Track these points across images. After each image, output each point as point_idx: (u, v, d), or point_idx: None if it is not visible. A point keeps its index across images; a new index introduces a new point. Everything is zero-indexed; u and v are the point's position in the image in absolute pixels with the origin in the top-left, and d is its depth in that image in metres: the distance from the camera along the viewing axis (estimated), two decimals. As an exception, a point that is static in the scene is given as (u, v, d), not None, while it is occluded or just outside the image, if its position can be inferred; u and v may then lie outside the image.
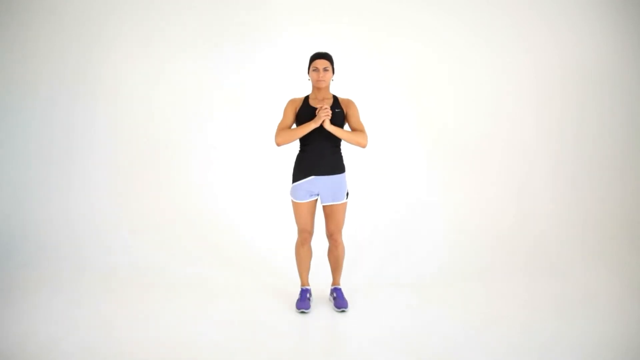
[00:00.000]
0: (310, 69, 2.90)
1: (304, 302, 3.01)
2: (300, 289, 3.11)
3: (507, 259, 3.84)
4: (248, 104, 4.38)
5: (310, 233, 3.02)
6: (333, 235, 3.03)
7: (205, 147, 4.37)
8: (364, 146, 2.89)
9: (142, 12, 4.32)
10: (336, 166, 2.95)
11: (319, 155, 2.90)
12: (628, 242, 3.95)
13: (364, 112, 4.42)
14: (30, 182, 4.25)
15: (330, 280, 3.18)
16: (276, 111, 4.39)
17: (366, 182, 4.37)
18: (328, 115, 2.76)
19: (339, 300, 3.03)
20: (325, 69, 2.86)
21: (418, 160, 4.39)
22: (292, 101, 2.97)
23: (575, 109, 4.31)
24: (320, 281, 3.29)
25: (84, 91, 4.33)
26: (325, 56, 2.90)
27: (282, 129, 2.87)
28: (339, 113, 2.90)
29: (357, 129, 2.91)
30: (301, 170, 2.94)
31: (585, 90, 4.29)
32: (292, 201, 2.99)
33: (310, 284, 3.13)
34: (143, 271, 3.58)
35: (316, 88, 2.92)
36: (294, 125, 2.94)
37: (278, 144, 2.86)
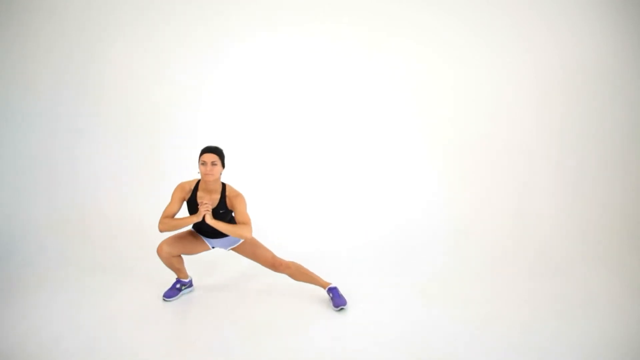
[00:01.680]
0: (200, 162, 2.95)
1: (171, 290, 3.17)
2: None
3: (507, 259, 3.84)
4: (249, 104, 4.38)
5: (165, 253, 3.01)
6: (275, 265, 3.13)
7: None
8: (247, 238, 2.96)
9: (143, 11, 4.32)
10: (224, 234, 3.05)
11: (207, 228, 3.01)
12: (628, 242, 3.95)
13: (365, 113, 4.44)
14: (31, 182, 4.25)
15: (330, 280, 3.19)
16: (277, 111, 4.42)
17: (367, 182, 4.38)
18: (208, 210, 2.87)
19: (336, 299, 3.04)
20: (213, 163, 2.93)
21: (418, 160, 4.39)
22: (181, 187, 3.03)
23: (576, 109, 4.31)
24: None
25: (85, 91, 4.33)
26: (215, 150, 2.97)
27: (167, 216, 2.95)
28: (223, 214, 2.98)
29: (241, 222, 2.95)
30: (195, 228, 3.11)
31: (585, 91, 4.29)
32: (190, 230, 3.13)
33: (190, 278, 3.26)
34: (143, 271, 3.57)
35: (204, 180, 2.97)
36: (181, 212, 3.03)
37: (160, 231, 2.94)
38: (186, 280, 3.23)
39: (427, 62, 4.37)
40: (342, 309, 3.01)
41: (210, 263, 3.75)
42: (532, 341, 2.65)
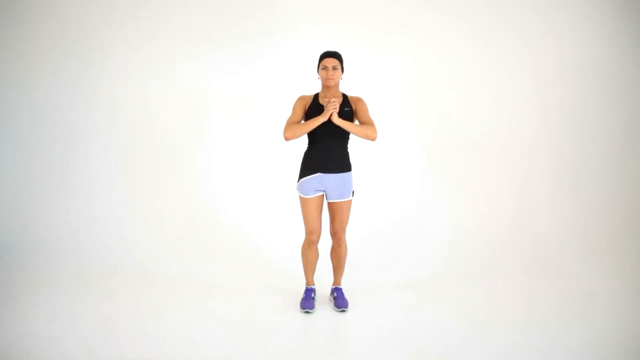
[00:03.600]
0: (320, 67, 2.92)
1: (308, 301, 3.02)
2: (305, 288, 3.11)
3: (507, 259, 3.84)
4: (250, 104, 4.38)
5: (318, 235, 3.02)
6: (337, 234, 3.05)
7: (207, 147, 4.37)
8: (373, 139, 2.90)
9: (142, 11, 4.32)
10: (343, 164, 2.96)
11: (326, 153, 2.92)
12: (628, 242, 3.96)
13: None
14: (31, 182, 4.25)
15: (331, 280, 3.19)
16: (278, 111, 4.41)
17: (366, 182, 4.37)
18: (336, 108, 2.78)
19: (339, 300, 3.03)
20: (334, 68, 2.89)
21: (418, 160, 4.39)
22: (301, 98, 2.99)
23: (575, 109, 4.31)
24: (320, 281, 3.29)
25: (84, 91, 4.33)
26: (335, 55, 2.92)
27: (291, 123, 2.89)
28: (348, 112, 2.93)
29: (366, 123, 2.92)
30: (308, 167, 2.95)
31: (585, 90, 4.29)
32: (300, 197, 2.99)
33: (315, 284, 3.14)
34: (143, 271, 3.58)
35: (325, 86, 2.95)
36: (303, 121, 2.95)
37: (287, 138, 2.86)
38: (314, 287, 3.12)
39: (427, 62, 4.37)
40: (343, 310, 3.01)
41: (211, 262, 3.75)
42: (531, 341, 2.64)
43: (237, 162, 4.35)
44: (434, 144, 4.38)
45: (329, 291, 3.19)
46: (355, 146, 4.38)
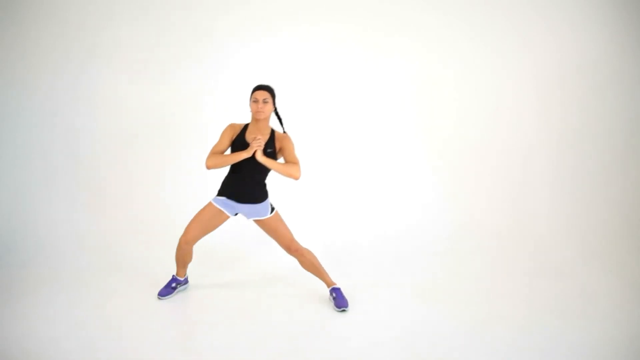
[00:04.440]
0: (251, 99, 2.93)
1: (166, 288, 3.16)
2: (172, 276, 3.22)
3: (507, 259, 3.84)
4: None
5: (190, 243, 3.03)
6: (291, 248, 3.08)
7: (208, 147, 4.36)
8: (296, 178, 2.90)
9: (143, 11, 4.32)
10: (257, 196, 3.00)
11: (243, 184, 2.96)
12: (628, 242, 3.96)
13: (364, 114, 4.44)
14: (31, 182, 4.25)
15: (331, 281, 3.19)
16: (279, 112, 4.40)
17: (367, 182, 4.38)
18: (260, 146, 2.81)
19: (338, 300, 3.03)
20: (264, 101, 2.90)
21: (418, 160, 4.39)
22: (231, 126, 3.00)
23: (576, 109, 4.31)
24: (320, 281, 3.28)
25: (85, 91, 4.33)
26: (266, 88, 2.94)
27: (215, 153, 2.91)
28: (270, 153, 2.94)
29: (291, 162, 2.93)
30: (224, 192, 3.02)
31: (585, 90, 4.29)
32: (209, 202, 3.03)
33: (186, 276, 3.25)
34: (143, 271, 3.57)
35: (255, 119, 2.95)
36: (228, 151, 2.99)
37: (208, 167, 2.90)
38: (181, 279, 3.23)
39: (426, 63, 4.37)
40: (343, 310, 3.01)
41: (209, 263, 3.75)
42: (531, 341, 2.65)
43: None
44: (434, 144, 4.38)
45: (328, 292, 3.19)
46: (356, 148, 4.42)
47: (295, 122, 4.39)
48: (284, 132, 3.04)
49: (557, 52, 4.29)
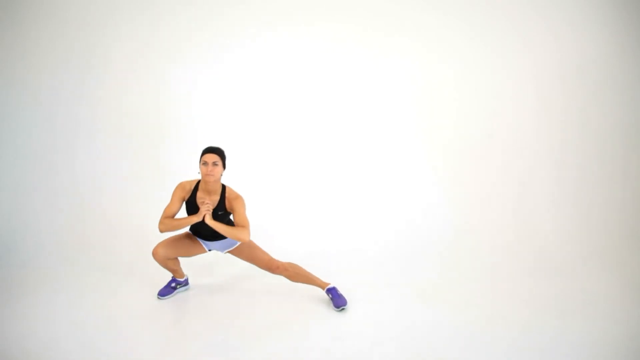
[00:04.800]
0: (201, 162, 2.96)
1: (165, 288, 3.19)
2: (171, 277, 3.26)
3: (507, 260, 3.84)
4: (250, 105, 4.38)
5: (160, 257, 3.01)
6: (272, 267, 3.11)
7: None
8: (244, 241, 2.95)
9: (143, 11, 4.32)
10: (222, 236, 3.05)
11: (205, 230, 3.02)
12: (628, 242, 3.95)
13: (365, 115, 4.44)
14: (31, 182, 4.25)
15: (329, 280, 3.19)
16: (277, 113, 4.41)
17: (367, 183, 4.38)
18: (209, 210, 2.88)
19: (336, 299, 3.04)
20: (214, 164, 2.93)
21: (419, 161, 4.39)
22: (181, 187, 3.02)
23: (576, 109, 4.31)
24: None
25: (86, 92, 4.33)
26: (216, 151, 2.97)
27: (167, 217, 2.94)
28: (221, 215, 2.97)
29: (239, 225, 2.95)
30: (193, 231, 3.12)
31: (585, 90, 4.29)
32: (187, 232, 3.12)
33: (186, 276, 3.28)
34: (144, 270, 3.57)
35: (204, 181, 2.97)
36: (182, 211, 3.06)
37: (161, 232, 2.93)
38: (181, 280, 3.24)
39: (426, 63, 4.37)
40: (342, 309, 3.01)
41: (209, 263, 3.75)
42: (532, 341, 2.65)
43: (238, 163, 4.34)
44: (434, 144, 4.38)
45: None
46: (357, 148, 4.42)
47: (296, 122, 4.41)
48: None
49: (557, 52, 4.28)
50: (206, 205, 2.88)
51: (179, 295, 3.22)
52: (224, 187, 3.02)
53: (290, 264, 3.15)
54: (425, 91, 4.38)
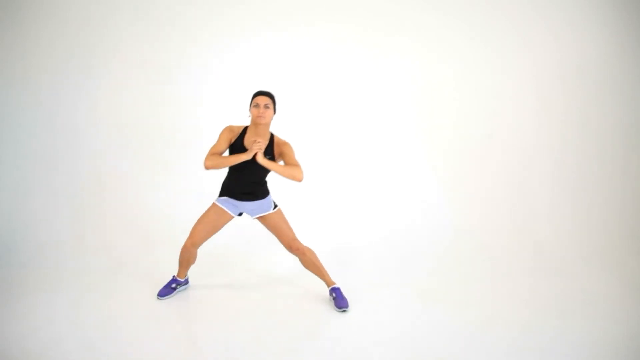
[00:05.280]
0: (252, 104, 2.94)
1: (166, 288, 3.15)
2: (171, 277, 3.21)
3: (507, 259, 3.84)
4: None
5: (196, 246, 3.05)
6: (292, 247, 3.08)
7: (207, 147, 4.36)
8: (299, 180, 2.89)
9: (143, 12, 4.32)
10: (259, 194, 3.02)
11: (244, 184, 2.97)
12: (628, 242, 3.96)
13: (365, 114, 4.44)
14: (31, 182, 4.25)
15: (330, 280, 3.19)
16: (279, 112, 4.41)
17: (367, 182, 4.38)
18: (261, 149, 2.81)
19: (338, 300, 3.03)
20: (266, 106, 2.90)
21: (419, 161, 4.39)
22: (229, 129, 2.98)
23: (576, 109, 4.31)
24: (321, 281, 3.28)
25: (86, 92, 4.33)
26: (267, 94, 2.95)
27: (214, 154, 2.89)
28: (269, 159, 2.92)
29: (292, 165, 2.92)
30: (226, 191, 3.03)
31: (585, 90, 4.29)
32: (213, 203, 3.04)
33: (187, 277, 3.25)
34: (144, 271, 3.57)
35: (255, 124, 2.94)
36: (227, 153, 2.99)
37: (207, 167, 2.87)
38: (182, 280, 3.23)
39: (426, 63, 4.37)
40: (344, 310, 3.01)
41: (210, 263, 3.75)
42: (532, 341, 2.65)
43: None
44: (434, 144, 4.38)
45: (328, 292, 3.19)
46: (357, 149, 4.42)
47: (296, 122, 4.41)
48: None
49: (557, 52, 4.29)
50: (258, 144, 2.79)
51: (178, 295, 3.22)
52: (271, 134, 2.99)
53: (309, 250, 3.11)
54: (426, 91, 4.38)
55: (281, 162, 3.01)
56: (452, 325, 2.84)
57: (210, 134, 4.34)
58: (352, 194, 4.36)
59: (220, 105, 4.39)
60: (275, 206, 3.07)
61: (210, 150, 2.91)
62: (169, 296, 3.15)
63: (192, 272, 3.44)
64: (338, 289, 3.11)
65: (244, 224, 4.18)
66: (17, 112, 4.28)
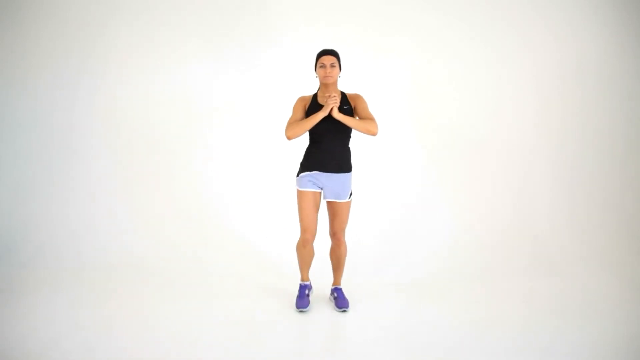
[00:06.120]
0: (318, 65, 2.93)
1: (302, 299, 3.01)
2: (299, 285, 3.10)
3: (507, 259, 3.84)
4: (248, 104, 4.38)
5: (313, 234, 3.00)
6: (336, 235, 3.05)
7: (206, 147, 4.37)
8: (374, 134, 2.88)
9: (143, 11, 4.32)
10: (343, 165, 2.96)
11: (327, 152, 2.92)
12: (628, 242, 3.95)
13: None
14: (31, 182, 4.25)
15: (331, 280, 3.19)
16: (277, 111, 4.41)
17: (366, 182, 4.37)
18: (336, 103, 2.78)
19: (339, 300, 3.03)
20: (332, 65, 2.88)
21: (418, 160, 4.38)
22: (301, 99, 2.98)
23: (575, 109, 4.31)
24: (321, 280, 3.29)
25: (85, 91, 4.33)
26: (332, 52, 2.93)
27: (292, 122, 2.88)
28: (347, 109, 2.91)
29: (366, 118, 2.90)
30: (308, 165, 2.95)
31: (585, 90, 4.29)
32: (298, 192, 2.98)
33: (310, 279, 3.12)
34: (143, 271, 3.58)
35: (324, 84, 2.94)
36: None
37: (289, 137, 2.84)
38: (309, 283, 3.11)
39: (426, 62, 4.37)
40: (344, 310, 3.01)
41: (210, 262, 3.75)
42: (531, 341, 2.64)
43: (236, 162, 4.35)
44: (434, 144, 4.38)
45: (329, 291, 3.19)
46: (356, 146, 4.40)
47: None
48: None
49: (557, 52, 4.28)
50: (333, 98, 2.75)
51: (178, 295, 3.22)
52: (342, 91, 2.98)
53: (346, 246, 3.09)
54: (426, 91, 4.37)
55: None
56: (452, 324, 2.83)
57: (210, 133, 4.37)
58: (352, 194, 4.35)
59: (220, 105, 4.39)
60: (351, 194, 3.02)
61: (288, 122, 2.89)
62: (308, 307, 3.01)
63: (191, 272, 3.44)
64: (341, 289, 3.11)
65: (244, 223, 4.19)
66: (17, 112, 4.28)
